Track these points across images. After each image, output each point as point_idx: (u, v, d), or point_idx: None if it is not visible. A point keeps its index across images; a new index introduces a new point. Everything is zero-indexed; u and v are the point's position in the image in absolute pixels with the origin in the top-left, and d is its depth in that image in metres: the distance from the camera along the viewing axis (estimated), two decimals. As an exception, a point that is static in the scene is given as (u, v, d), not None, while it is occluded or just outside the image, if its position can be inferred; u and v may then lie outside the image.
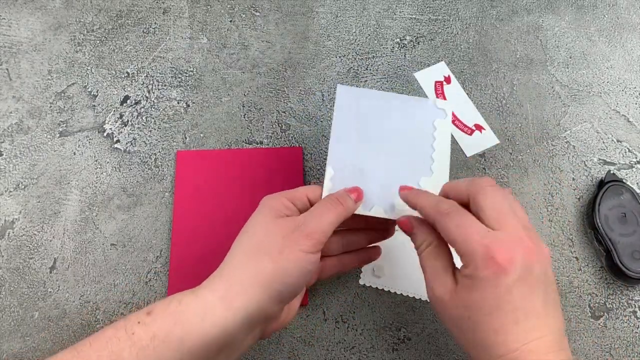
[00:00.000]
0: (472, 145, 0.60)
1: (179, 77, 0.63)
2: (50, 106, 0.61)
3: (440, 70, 0.64)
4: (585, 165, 0.59)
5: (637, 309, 0.53)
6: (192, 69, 0.64)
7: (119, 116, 0.61)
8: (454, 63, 0.64)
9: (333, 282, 0.54)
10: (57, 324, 0.52)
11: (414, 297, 0.53)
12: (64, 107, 0.61)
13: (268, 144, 0.60)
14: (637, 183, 0.58)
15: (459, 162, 0.59)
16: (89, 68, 0.63)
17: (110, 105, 0.62)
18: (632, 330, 0.52)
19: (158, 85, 0.63)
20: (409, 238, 0.52)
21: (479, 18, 0.67)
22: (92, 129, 0.60)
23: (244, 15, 0.67)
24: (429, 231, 0.40)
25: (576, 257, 0.55)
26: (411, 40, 0.66)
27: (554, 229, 0.56)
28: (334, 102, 0.62)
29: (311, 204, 0.42)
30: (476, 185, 0.38)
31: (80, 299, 0.53)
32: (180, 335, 0.35)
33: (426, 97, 0.62)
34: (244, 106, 0.62)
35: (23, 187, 0.58)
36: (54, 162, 0.59)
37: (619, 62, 0.64)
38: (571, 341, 0.52)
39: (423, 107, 0.48)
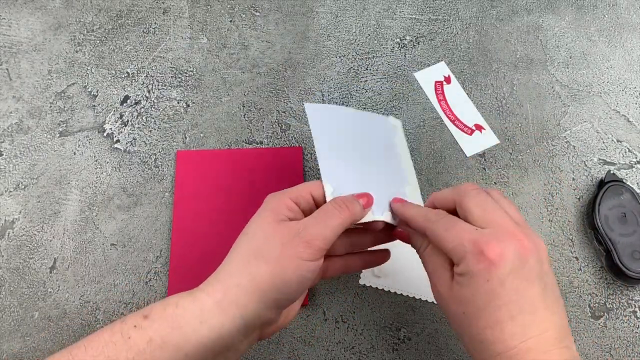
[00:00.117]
0: (472, 145, 0.60)
1: (179, 77, 0.63)
2: (50, 106, 0.61)
3: (440, 70, 0.64)
4: (585, 165, 0.59)
5: (637, 309, 0.53)
6: (192, 69, 0.64)
7: (119, 116, 0.61)
8: (454, 63, 0.64)
9: (333, 282, 0.54)
10: (57, 324, 0.52)
11: (414, 297, 0.53)
12: (64, 107, 0.61)
13: (268, 144, 0.60)
14: (637, 183, 0.58)
15: (459, 162, 0.59)
16: (89, 68, 0.63)
17: (110, 105, 0.62)
18: (632, 330, 0.52)
19: (158, 85, 0.63)
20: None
21: (479, 18, 0.67)
22: (92, 129, 0.60)
23: (244, 15, 0.67)
24: (424, 234, 0.40)
25: (576, 257, 0.55)
26: (411, 40, 0.66)
27: (554, 229, 0.56)
28: (334, 102, 0.62)
29: (315, 203, 0.41)
30: (460, 191, 0.38)
31: (80, 299, 0.53)
32: (177, 340, 0.34)
33: (426, 97, 0.62)
34: (244, 106, 0.62)
35: (23, 187, 0.58)
36: (54, 162, 0.59)
37: (619, 62, 0.64)
38: (571, 341, 0.52)
39: (381, 124, 0.49)
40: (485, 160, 0.59)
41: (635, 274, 0.52)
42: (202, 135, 0.60)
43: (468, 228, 0.36)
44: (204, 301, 0.36)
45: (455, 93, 0.63)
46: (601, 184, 0.56)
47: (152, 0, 0.67)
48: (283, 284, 0.36)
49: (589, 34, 0.66)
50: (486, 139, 0.60)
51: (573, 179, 0.58)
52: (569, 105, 0.62)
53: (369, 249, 0.46)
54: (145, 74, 0.63)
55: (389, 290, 0.53)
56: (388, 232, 0.45)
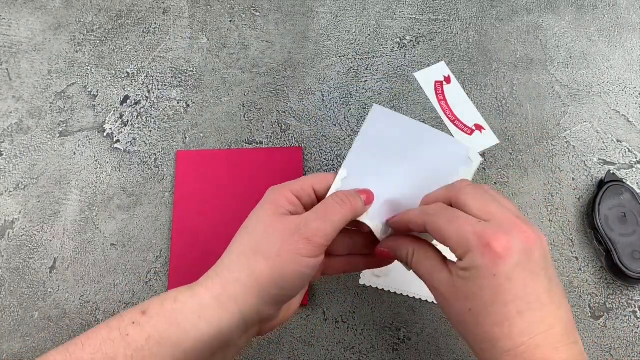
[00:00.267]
0: (472, 145, 0.60)
1: (179, 77, 0.63)
2: (50, 106, 0.61)
3: (440, 70, 0.64)
4: (585, 165, 0.59)
5: (637, 309, 0.53)
6: (192, 69, 0.64)
7: (119, 116, 0.61)
8: (454, 63, 0.64)
9: (333, 282, 0.54)
10: (57, 324, 0.52)
11: (414, 297, 0.53)
12: (64, 107, 0.61)
13: (268, 144, 0.60)
14: (637, 183, 0.58)
15: (459, 162, 0.59)
16: (89, 68, 0.63)
17: (110, 105, 0.62)
18: (632, 330, 0.52)
19: (158, 85, 0.63)
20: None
21: (479, 18, 0.67)
22: (92, 129, 0.60)
23: (244, 15, 0.67)
24: (408, 240, 0.39)
25: (576, 257, 0.55)
26: (411, 40, 0.66)
27: (554, 229, 0.56)
28: (334, 102, 0.62)
29: (317, 196, 0.40)
30: (454, 188, 0.38)
31: (80, 299, 0.53)
32: (175, 336, 0.34)
33: (426, 97, 0.62)
34: (244, 106, 0.62)
35: (23, 187, 0.58)
36: (54, 162, 0.59)
37: (619, 62, 0.64)
38: (571, 341, 0.52)
39: (454, 149, 0.45)
40: (485, 160, 0.59)
41: (635, 274, 0.52)
42: (202, 135, 0.60)
43: (471, 220, 0.34)
44: (203, 296, 0.35)
45: (455, 93, 0.63)
46: (601, 184, 0.56)
47: (152, 0, 0.67)
48: (282, 280, 0.36)
49: (589, 34, 0.66)
50: (486, 139, 0.60)
51: (573, 179, 0.58)
52: (569, 105, 0.62)
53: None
54: (145, 74, 0.63)
55: (389, 290, 0.53)
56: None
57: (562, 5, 0.68)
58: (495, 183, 0.58)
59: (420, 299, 0.53)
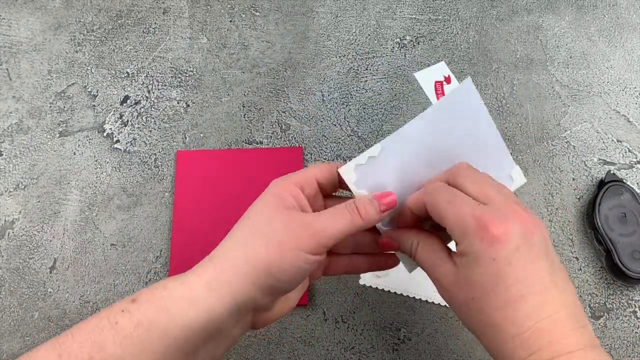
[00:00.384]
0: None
1: (179, 77, 0.63)
2: (50, 106, 0.61)
3: (440, 70, 0.64)
4: (585, 165, 0.59)
5: (637, 309, 0.53)
6: (192, 69, 0.64)
7: (119, 116, 0.61)
8: (454, 63, 0.64)
9: (333, 282, 0.54)
10: (57, 324, 0.52)
11: (414, 297, 0.53)
12: (64, 107, 0.61)
13: (268, 144, 0.60)
14: (637, 183, 0.58)
15: (459, 162, 0.59)
16: (89, 68, 0.63)
17: (110, 105, 0.62)
18: (632, 330, 0.52)
19: (158, 85, 0.63)
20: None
21: (479, 18, 0.67)
22: (92, 129, 0.61)
23: (244, 15, 0.67)
24: (413, 231, 0.38)
25: (576, 257, 0.55)
26: (411, 40, 0.66)
27: (554, 229, 0.56)
28: (334, 102, 0.62)
29: (320, 188, 0.39)
30: (453, 172, 0.37)
31: (80, 299, 0.53)
32: (164, 322, 0.33)
33: (426, 97, 0.62)
34: (244, 106, 0.62)
35: (23, 187, 0.58)
36: (54, 162, 0.59)
37: (619, 62, 0.64)
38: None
39: (501, 162, 0.41)
40: (485, 160, 0.59)
41: (635, 274, 0.52)
42: (202, 135, 0.60)
43: (470, 202, 0.34)
44: (194, 282, 0.34)
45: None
46: (601, 184, 0.56)
47: (152, 0, 0.67)
48: (278, 271, 0.35)
49: (589, 34, 0.66)
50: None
51: (573, 179, 0.58)
52: (569, 105, 0.62)
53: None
54: (145, 74, 0.63)
55: (389, 290, 0.53)
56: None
57: (562, 5, 0.68)
58: (495, 183, 0.58)
59: (420, 299, 0.53)
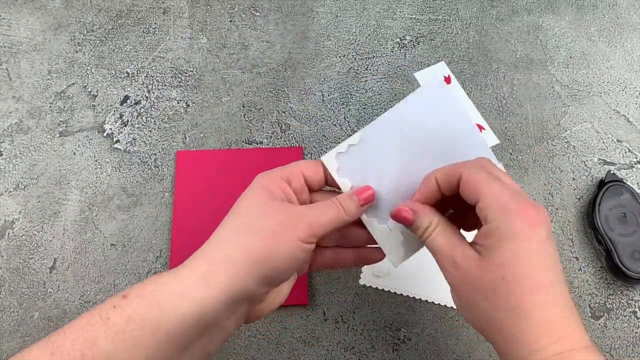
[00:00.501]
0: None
1: (179, 77, 0.63)
2: (50, 106, 0.61)
3: (440, 70, 0.64)
4: (585, 165, 0.59)
5: (637, 309, 0.53)
6: (192, 69, 0.64)
7: (119, 116, 0.61)
8: (454, 63, 0.64)
9: (333, 282, 0.54)
10: (57, 324, 0.52)
11: (414, 297, 0.53)
12: (64, 107, 0.61)
13: (268, 144, 0.60)
14: (637, 183, 0.58)
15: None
16: (89, 68, 0.63)
17: (110, 105, 0.62)
18: (632, 330, 0.52)
19: (158, 85, 0.63)
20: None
21: (479, 18, 0.67)
22: (92, 129, 0.61)
23: (244, 15, 0.67)
24: (433, 211, 0.38)
25: (576, 257, 0.55)
26: (411, 40, 0.66)
27: (554, 229, 0.56)
28: (334, 102, 0.62)
29: (307, 183, 0.40)
30: (481, 161, 0.37)
31: (80, 299, 0.53)
32: (156, 317, 0.33)
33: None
34: (244, 106, 0.62)
35: (23, 187, 0.58)
36: (54, 162, 0.59)
37: (619, 62, 0.64)
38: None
39: (484, 154, 0.41)
40: (485, 160, 0.59)
41: (635, 274, 0.52)
42: (202, 135, 0.60)
43: (509, 187, 0.34)
44: (186, 276, 0.34)
45: (455, 93, 0.63)
46: (601, 184, 0.56)
47: (152, 0, 0.67)
48: (274, 260, 0.35)
49: (589, 34, 0.66)
50: (486, 139, 0.60)
51: (573, 179, 0.58)
52: (569, 105, 0.62)
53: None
54: (145, 74, 0.63)
55: (389, 290, 0.53)
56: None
57: (562, 5, 0.68)
58: (495, 183, 0.58)
59: (420, 299, 0.53)
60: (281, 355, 0.51)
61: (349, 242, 0.43)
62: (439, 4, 0.68)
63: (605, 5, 0.67)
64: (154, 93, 0.62)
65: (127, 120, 0.61)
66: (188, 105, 0.62)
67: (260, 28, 0.66)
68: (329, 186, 0.42)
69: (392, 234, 0.41)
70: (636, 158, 0.59)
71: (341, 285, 0.54)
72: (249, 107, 0.62)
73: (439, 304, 0.53)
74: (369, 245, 0.43)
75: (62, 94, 0.62)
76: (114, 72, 0.63)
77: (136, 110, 0.62)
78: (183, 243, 0.54)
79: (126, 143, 0.60)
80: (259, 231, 0.35)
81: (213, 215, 0.55)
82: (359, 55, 0.65)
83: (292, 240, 0.36)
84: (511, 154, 0.60)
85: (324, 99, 0.62)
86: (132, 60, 0.64)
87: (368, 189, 0.40)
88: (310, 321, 0.53)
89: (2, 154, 0.59)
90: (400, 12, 0.67)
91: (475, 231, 0.37)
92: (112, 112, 0.61)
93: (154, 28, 0.66)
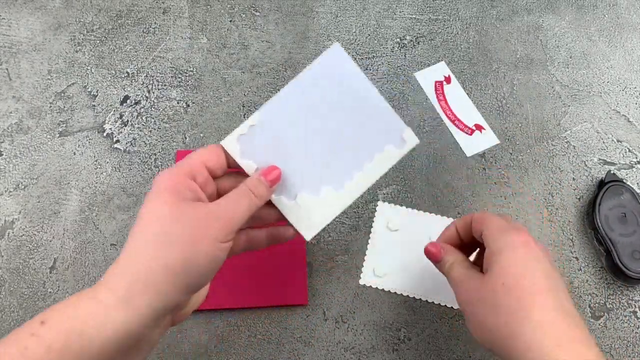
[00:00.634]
0: (472, 145, 0.60)
1: (179, 77, 0.63)
2: (50, 106, 0.61)
3: (440, 70, 0.64)
4: (586, 165, 0.59)
5: (637, 309, 0.53)
6: (192, 69, 0.64)
7: (119, 116, 0.61)
8: (454, 63, 0.64)
9: (333, 282, 0.54)
10: (57, 324, 0.52)
11: (414, 297, 0.53)
12: (64, 107, 0.61)
13: (268, 144, 0.60)
14: (637, 183, 0.58)
15: (459, 162, 0.59)
16: (89, 68, 0.63)
17: (110, 105, 0.62)
18: (632, 330, 0.52)
19: (158, 85, 0.63)
20: (410, 238, 0.53)
21: (479, 18, 0.67)
22: (92, 129, 0.61)
23: (244, 15, 0.67)
24: (456, 251, 0.43)
25: (576, 257, 0.55)
26: (411, 40, 0.66)
27: (554, 229, 0.56)
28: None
29: (211, 173, 0.39)
30: (483, 215, 0.43)
31: (80, 299, 0.53)
32: (78, 345, 0.31)
33: (426, 97, 0.62)
34: (244, 106, 0.62)
35: (23, 187, 0.58)
36: (54, 162, 0.59)
37: (619, 62, 0.64)
38: (571, 341, 0.52)
39: (391, 125, 0.42)
40: (485, 160, 0.59)
41: (635, 274, 0.52)
42: (202, 135, 0.60)
43: (509, 220, 0.42)
44: (107, 298, 0.33)
45: (455, 93, 0.63)
46: (601, 184, 0.56)
47: (152, 0, 0.67)
48: (195, 267, 0.34)
49: (589, 34, 0.66)
50: (486, 139, 0.60)
51: (573, 179, 0.58)
52: (569, 105, 0.62)
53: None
54: (145, 74, 0.63)
55: (389, 290, 0.53)
56: None
57: (562, 5, 0.68)
58: (495, 183, 0.58)
59: (420, 299, 0.53)
60: (281, 355, 0.51)
61: (261, 222, 0.42)
62: (439, 4, 0.68)
63: (605, 5, 0.67)
64: (154, 93, 0.62)
65: (127, 120, 0.61)
66: (188, 105, 0.62)
67: (260, 28, 0.66)
68: (233, 170, 0.41)
69: (302, 208, 0.41)
70: (636, 158, 0.59)
71: (341, 285, 0.54)
72: (249, 107, 0.62)
73: (439, 304, 0.53)
74: (279, 224, 0.43)
75: (62, 94, 0.62)
76: (114, 72, 0.63)
77: (136, 110, 0.62)
78: (183, 243, 0.54)
79: (126, 143, 0.60)
80: (175, 240, 0.34)
81: (213, 215, 0.55)
82: (359, 55, 0.65)
83: (210, 243, 0.35)
84: (511, 154, 0.60)
85: (324, 99, 0.62)
86: (132, 60, 0.64)
87: (274, 168, 0.40)
88: (310, 321, 0.53)
89: (2, 154, 0.59)
90: (400, 12, 0.67)
91: None
92: (112, 112, 0.61)
93: (154, 28, 0.66)
